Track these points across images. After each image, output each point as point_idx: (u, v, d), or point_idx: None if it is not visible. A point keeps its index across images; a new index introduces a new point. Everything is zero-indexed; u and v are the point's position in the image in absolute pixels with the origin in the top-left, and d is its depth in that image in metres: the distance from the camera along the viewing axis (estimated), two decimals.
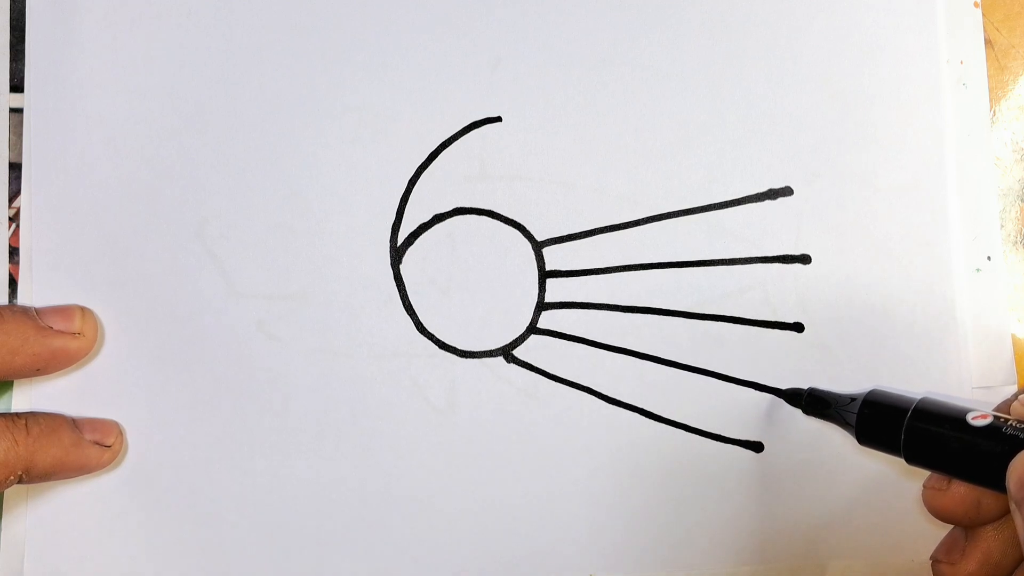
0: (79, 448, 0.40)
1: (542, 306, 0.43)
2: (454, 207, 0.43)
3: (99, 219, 0.42)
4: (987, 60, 0.44)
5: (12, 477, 0.38)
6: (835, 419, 0.40)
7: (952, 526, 0.38)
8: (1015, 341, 0.44)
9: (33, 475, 0.39)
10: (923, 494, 0.37)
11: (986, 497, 0.36)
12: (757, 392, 0.43)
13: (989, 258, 0.44)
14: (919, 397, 0.37)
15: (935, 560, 0.38)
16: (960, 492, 0.36)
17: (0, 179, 0.42)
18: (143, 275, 0.42)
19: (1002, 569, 0.36)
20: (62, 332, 0.40)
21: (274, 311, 0.42)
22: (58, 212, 0.42)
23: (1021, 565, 0.36)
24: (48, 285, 0.42)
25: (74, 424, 0.40)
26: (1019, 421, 0.34)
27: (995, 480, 0.34)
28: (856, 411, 0.38)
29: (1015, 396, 0.36)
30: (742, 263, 0.43)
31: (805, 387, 0.42)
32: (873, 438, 0.38)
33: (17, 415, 0.39)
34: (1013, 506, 0.32)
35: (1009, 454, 0.33)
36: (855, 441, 0.39)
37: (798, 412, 0.42)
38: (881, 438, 0.37)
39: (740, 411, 0.43)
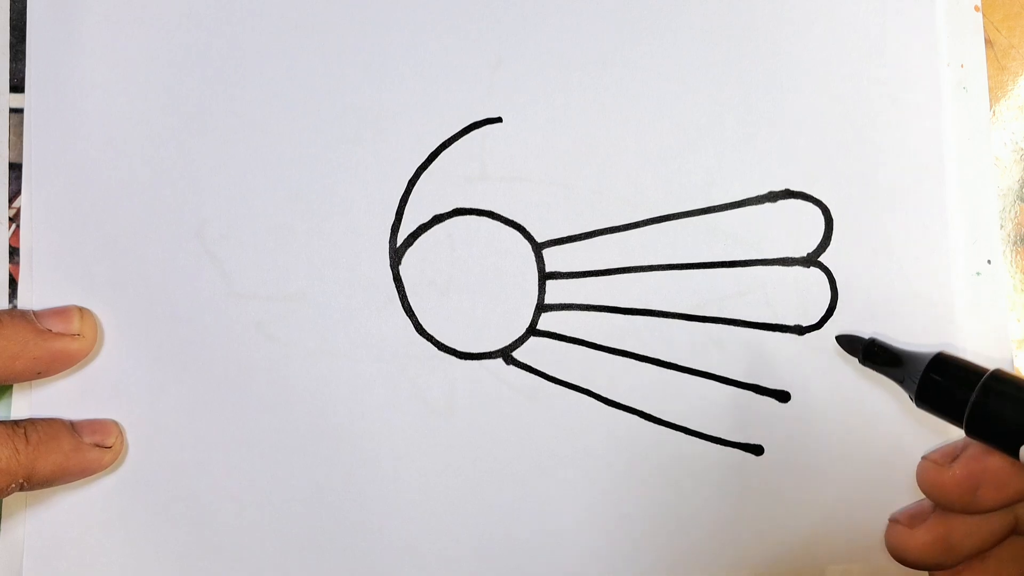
0: (79, 452, 0.40)
1: (542, 308, 0.43)
2: (454, 208, 0.43)
3: (99, 219, 0.42)
4: (987, 60, 0.44)
5: (13, 485, 0.38)
6: (891, 374, 0.38)
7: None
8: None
9: (34, 482, 0.39)
10: (921, 467, 0.36)
11: (987, 486, 0.35)
12: (758, 395, 0.43)
13: (989, 262, 0.44)
14: (991, 368, 0.36)
15: (893, 520, 0.37)
16: (961, 473, 0.35)
17: (0, 179, 0.42)
18: (143, 275, 0.42)
19: (954, 553, 0.36)
20: (61, 334, 0.40)
21: (273, 312, 0.42)
22: (58, 212, 0.42)
23: (982, 555, 0.36)
24: (48, 285, 0.42)
25: (73, 428, 0.40)
26: None
27: None
28: (920, 369, 0.37)
29: None
30: (742, 265, 0.43)
31: (866, 336, 0.41)
32: (935, 401, 0.36)
33: (16, 423, 0.39)
34: None
35: None
36: (856, 441, 0.39)
37: (797, 414, 0.42)
38: (943, 403, 0.36)
39: (740, 414, 0.43)
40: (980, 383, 0.35)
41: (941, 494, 0.36)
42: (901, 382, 0.39)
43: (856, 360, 0.41)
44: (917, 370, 0.37)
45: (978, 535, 0.36)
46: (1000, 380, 0.35)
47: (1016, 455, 0.34)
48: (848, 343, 0.41)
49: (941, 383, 0.36)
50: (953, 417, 0.36)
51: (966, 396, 0.35)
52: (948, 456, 0.36)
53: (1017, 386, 0.35)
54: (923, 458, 0.36)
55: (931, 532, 0.36)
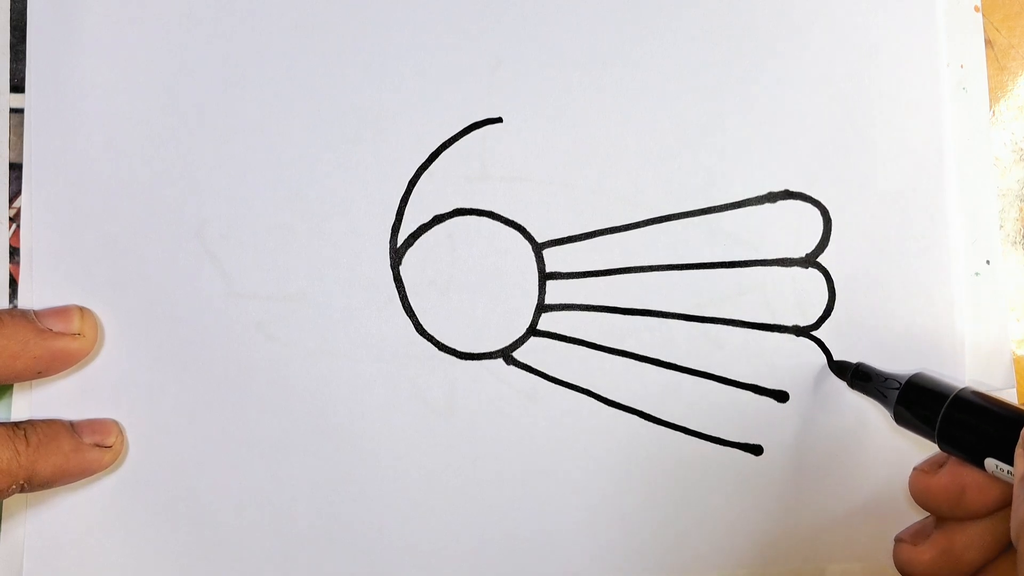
0: (79, 453, 0.40)
1: (542, 308, 0.43)
2: (454, 208, 0.43)
3: (99, 219, 0.42)
4: (987, 60, 0.44)
5: (14, 487, 0.38)
6: (875, 395, 0.41)
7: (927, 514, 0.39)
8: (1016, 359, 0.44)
9: (35, 484, 0.39)
10: (911, 477, 0.39)
11: (970, 491, 0.37)
12: (756, 395, 0.43)
13: (988, 262, 0.44)
14: (961, 385, 0.38)
15: (899, 540, 0.39)
16: (947, 480, 0.37)
17: (0, 179, 0.42)
18: (143, 275, 0.42)
19: (959, 565, 0.38)
20: (62, 333, 0.40)
21: (273, 312, 0.42)
22: (58, 212, 0.42)
23: (985, 567, 0.37)
24: (48, 285, 0.42)
25: (73, 429, 0.40)
26: None
27: None
28: (898, 388, 0.39)
29: None
30: (741, 266, 0.43)
31: (854, 361, 0.42)
32: (910, 418, 0.39)
33: (16, 424, 0.39)
34: (1020, 451, 0.34)
35: None
36: (855, 441, 0.39)
37: (797, 415, 0.42)
38: (917, 419, 0.39)
39: (739, 414, 0.43)
40: (947, 402, 0.37)
41: (930, 500, 0.38)
42: (883, 401, 0.40)
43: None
44: (894, 390, 0.40)
45: (978, 546, 0.37)
46: (965, 399, 0.37)
47: (982, 465, 0.36)
48: (838, 369, 0.43)
49: (915, 403, 0.39)
50: (927, 434, 0.38)
51: (936, 414, 0.38)
52: (935, 465, 0.38)
53: (979, 404, 0.37)
54: (914, 469, 0.39)
55: (935, 547, 0.38)
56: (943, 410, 0.37)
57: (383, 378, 0.42)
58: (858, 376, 0.41)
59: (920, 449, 0.42)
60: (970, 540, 0.37)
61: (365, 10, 0.43)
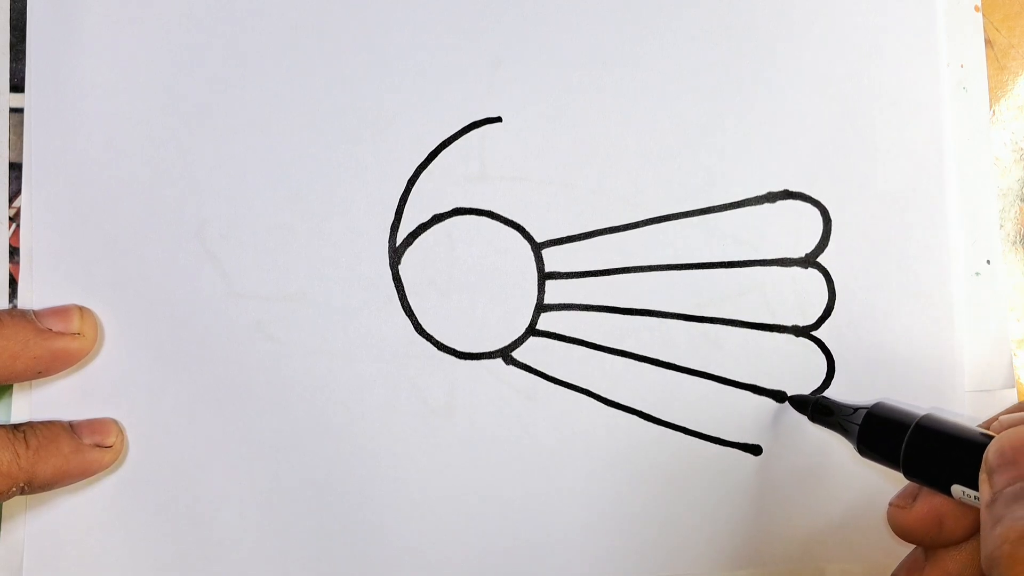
0: (79, 454, 0.40)
1: (541, 308, 0.43)
2: (453, 207, 0.43)
3: (99, 219, 0.42)
4: (987, 60, 0.44)
5: (14, 489, 0.38)
6: (837, 428, 0.40)
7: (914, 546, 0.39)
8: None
9: (35, 486, 0.39)
10: (888, 511, 0.38)
11: (947, 519, 0.36)
12: (756, 395, 0.43)
13: (988, 262, 0.44)
14: (922, 413, 0.37)
15: (891, 503, 0.38)
16: (923, 511, 0.37)
17: (0, 179, 0.42)
18: (143, 275, 0.42)
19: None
20: (62, 333, 0.40)
21: (273, 312, 0.42)
22: (58, 212, 0.42)
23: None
24: (48, 285, 0.42)
25: (72, 430, 0.40)
26: None
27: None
28: (859, 422, 0.39)
29: (997, 417, 0.36)
30: (741, 266, 0.43)
31: (812, 394, 0.42)
32: (873, 450, 0.38)
33: (16, 427, 0.39)
34: (983, 476, 0.33)
35: None
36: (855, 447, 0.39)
37: (797, 415, 0.42)
38: (881, 451, 0.38)
39: (739, 414, 0.43)
40: (909, 431, 0.37)
41: (909, 534, 0.37)
42: (846, 434, 0.40)
43: (848, 371, 0.42)
44: (856, 421, 0.39)
45: (974, 566, 0.37)
46: (926, 427, 0.37)
47: (950, 492, 0.35)
48: (798, 404, 0.42)
49: (877, 436, 0.38)
50: (893, 466, 0.38)
51: (899, 444, 0.37)
52: (909, 497, 0.37)
53: (941, 430, 0.36)
54: (888, 503, 0.38)
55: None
56: (905, 440, 0.37)
57: (383, 378, 0.42)
58: (818, 411, 0.41)
59: None
60: (964, 563, 0.37)
61: (365, 10, 0.43)
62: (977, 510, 0.35)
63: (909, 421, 0.37)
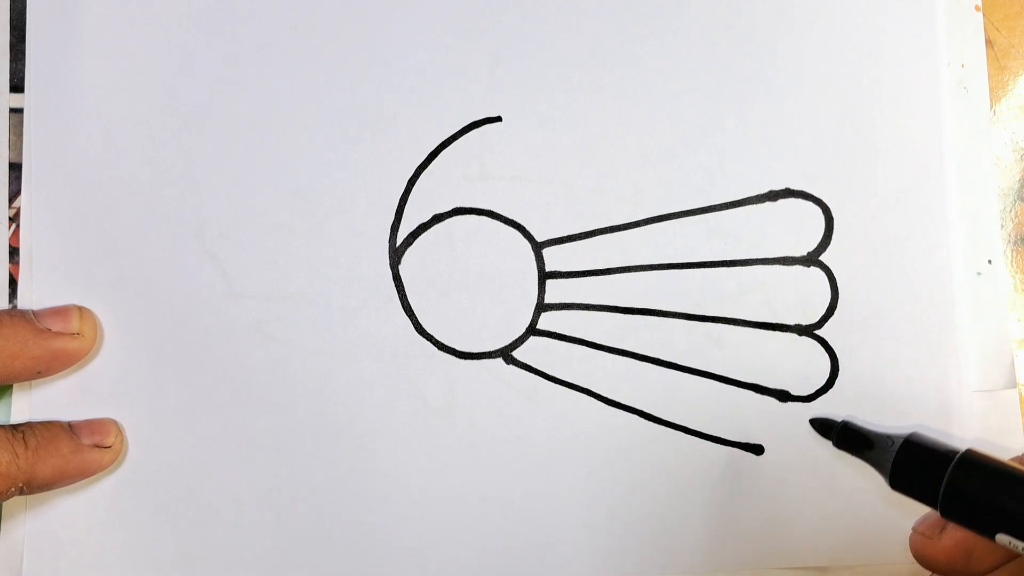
0: (79, 454, 0.40)
1: (541, 307, 0.43)
2: (453, 207, 0.43)
3: (99, 219, 0.42)
4: (987, 60, 0.44)
5: (13, 489, 0.38)
6: (870, 460, 0.38)
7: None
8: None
9: (34, 486, 0.39)
10: (912, 539, 0.37)
11: (977, 551, 0.35)
12: (758, 395, 0.43)
13: (990, 262, 0.43)
14: (963, 448, 0.35)
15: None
16: (952, 542, 0.35)
17: (0, 179, 0.42)
18: (143, 275, 0.42)
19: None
20: (61, 333, 0.40)
21: (273, 311, 0.42)
22: (58, 212, 0.42)
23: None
24: (48, 285, 0.42)
25: (71, 430, 0.40)
26: None
27: None
28: (893, 453, 0.37)
29: None
30: (742, 265, 0.43)
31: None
32: (909, 486, 0.36)
33: (15, 427, 0.39)
34: None
35: None
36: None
37: (798, 415, 0.42)
38: (917, 487, 0.36)
39: (740, 413, 0.43)
40: (950, 467, 0.35)
41: (935, 566, 0.36)
42: (876, 464, 0.38)
43: (852, 370, 0.42)
44: (890, 453, 0.37)
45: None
46: (970, 463, 0.35)
47: (992, 538, 0.34)
48: (822, 427, 0.41)
49: (913, 469, 0.36)
50: (929, 502, 0.36)
51: (939, 481, 0.35)
52: (936, 527, 0.36)
53: (987, 468, 0.35)
54: (912, 529, 0.37)
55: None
56: (946, 478, 0.35)
57: (383, 378, 0.42)
58: (846, 437, 0.39)
59: None
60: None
61: (365, 10, 0.43)
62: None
63: (950, 456, 0.35)
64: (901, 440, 0.37)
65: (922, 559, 0.36)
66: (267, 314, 0.42)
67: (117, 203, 0.42)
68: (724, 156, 0.43)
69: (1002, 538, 0.33)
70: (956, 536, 0.35)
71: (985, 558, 0.35)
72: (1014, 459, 0.36)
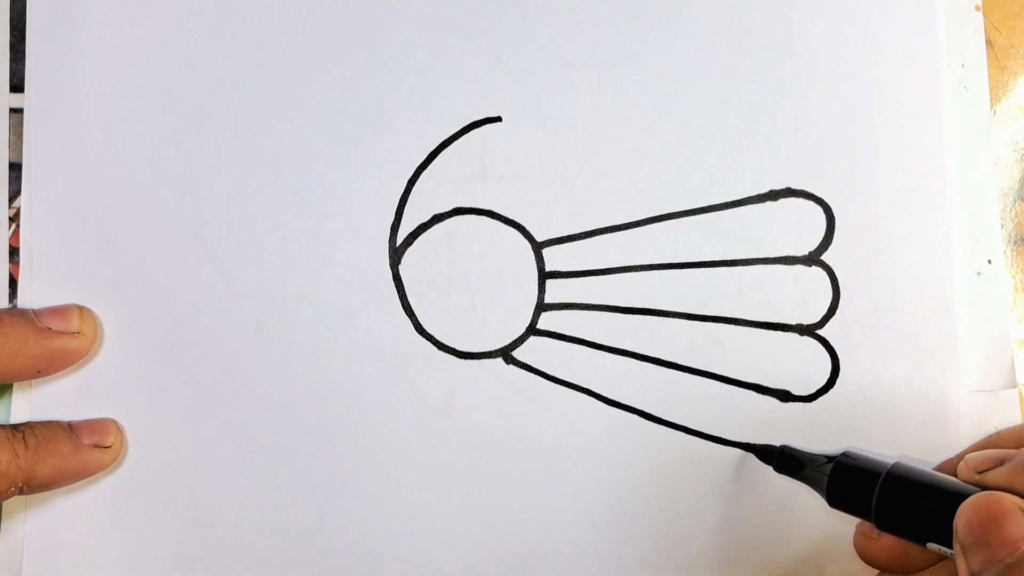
0: (78, 454, 0.40)
1: (542, 307, 0.43)
2: (453, 207, 0.43)
3: (99, 219, 0.42)
4: (987, 60, 0.44)
5: (13, 489, 0.38)
6: (806, 480, 0.40)
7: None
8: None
9: (34, 486, 0.39)
10: (855, 538, 0.38)
11: (913, 551, 0.37)
12: (758, 395, 0.43)
13: (990, 261, 0.43)
14: (891, 461, 0.37)
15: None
16: (890, 542, 0.37)
17: (0, 179, 0.42)
18: (143, 275, 0.42)
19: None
20: (61, 332, 0.40)
21: (273, 311, 0.42)
22: (58, 212, 0.42)
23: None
24: (48, 285, 0.42)
25: (71, 430, 0.40)
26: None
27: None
28: (827, 473, 0.38)
29: (960, 456, 0.36)
30: (743, 264, 0.43)
31: (777, 444, 0.42)
32: (844, 504, 0.38)
33: (15, 427, 0.39)
34: (957, 547, 0.33)
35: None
36: (855, 440, 0.39)
37: (799, 415, 0.42)
38: (852, 504, 0.37)
39: (740, 413, 0.43)
40: (878, 484, 0.36)
41: (878, 563, 0.38)
42: (814, 485, 0.39)
43: (853, 370, 0.42)
44: (824, 473, 0.38)
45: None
46: (896, 479, 0.36)
47: (924, 546, 0.35)
48: (762, 453, 0.42)
49: (846, 487, 0.37)
50: (866, 517, 0.37)
51: (871, 496, 0.36)
52: (875, 528, 0.37)
53: (912, 483, 0.36)
54: (856, 528, 0.38)
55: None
56: (875, 494, 0.36)
57: (383, 378, 0.42)
58: (784, 462, 0.40)
59: (922, 446, 0.42)
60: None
61: (365, 10, 0.43)
62: None
63: (878, 472, 0.36)
64: (834, 460, 0.38)
65: (864, 556, 0.38)
66: (267, 314, 0.42)
67: (117, 203, 0.42)
68: (724, 156, 0.43)
69: (932, 546, 0.35)
70: (893, 537, 0.37)
71: (920, 557, 0.37)
72: (941, 464, 0.37)
